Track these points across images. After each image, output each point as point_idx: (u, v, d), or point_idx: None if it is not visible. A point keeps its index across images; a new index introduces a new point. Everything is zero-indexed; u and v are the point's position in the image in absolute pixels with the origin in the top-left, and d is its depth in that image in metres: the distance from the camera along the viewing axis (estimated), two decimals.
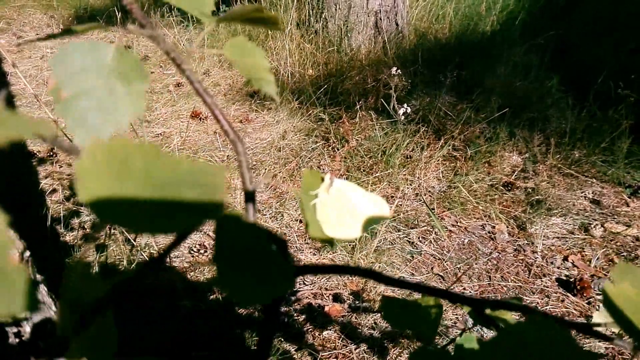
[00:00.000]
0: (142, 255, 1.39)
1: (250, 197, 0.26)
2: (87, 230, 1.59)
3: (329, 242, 0.35)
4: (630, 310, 0.24)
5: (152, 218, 0.17)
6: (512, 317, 0.44)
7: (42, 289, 0.52)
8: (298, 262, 1.45)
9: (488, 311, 0.49)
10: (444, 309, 1.27)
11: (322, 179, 0.34)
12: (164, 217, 0.17)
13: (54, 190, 1.84)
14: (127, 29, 0.24)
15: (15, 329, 0.45)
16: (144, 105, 0.25)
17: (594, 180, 1.84)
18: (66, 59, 0.24)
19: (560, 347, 0.22)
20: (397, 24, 2.71)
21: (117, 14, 3.44)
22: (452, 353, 0.35)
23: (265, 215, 1.65)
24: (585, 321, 1.30)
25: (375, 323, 1.23)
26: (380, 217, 0.36)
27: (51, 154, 2.07)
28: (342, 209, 0.34)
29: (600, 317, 0.51)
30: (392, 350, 1.14)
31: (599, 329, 0.28)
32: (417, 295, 0.41)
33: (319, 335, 1.18)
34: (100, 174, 0.17)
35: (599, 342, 1.25)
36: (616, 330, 0.28)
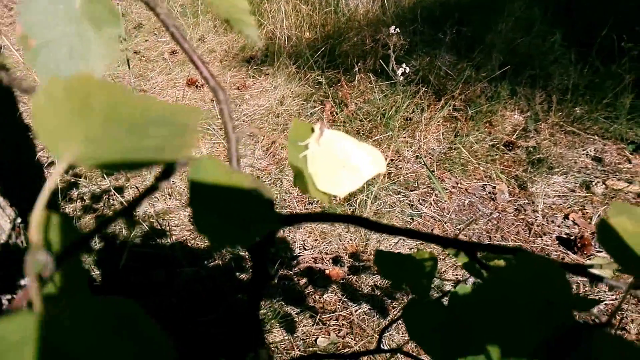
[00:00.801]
0: (142, 224, 1.40)
1: (233, 145, 0.24)
2: (86, 201, 1.60)
3: (321, 197, 0.34)
4: (629, 241, 0.23)
5: (118, 158, 0.16)
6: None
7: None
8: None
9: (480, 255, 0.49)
10: (443, 269, 1.28)
11: (312, 130, 0.32)
12: (130, 156, 0.16)
13: (52, 163, 1.83)
14: None
15: None
16: (118, 50, 0.23)
17: (596, 137, 1.82)
18: (34, 5, 0.23)
19: (552, 284, 0.22)
20: None
21: None
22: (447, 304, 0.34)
23: (264, 181, 1.64)
24: (586, 279, 1.31)
25: (375, 285, 1.24)
26: (376, 169, 0.34)
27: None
28: (334, 160, 0.33)
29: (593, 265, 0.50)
30: (392, 310, 1.16)
31: (593, 270, 0.27)
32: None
33: (320, 298, 1.19)
34: (58, 111, 0.16)
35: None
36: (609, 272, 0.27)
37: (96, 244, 1.37)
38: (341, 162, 0.32)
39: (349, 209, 1.51)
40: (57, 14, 0.23)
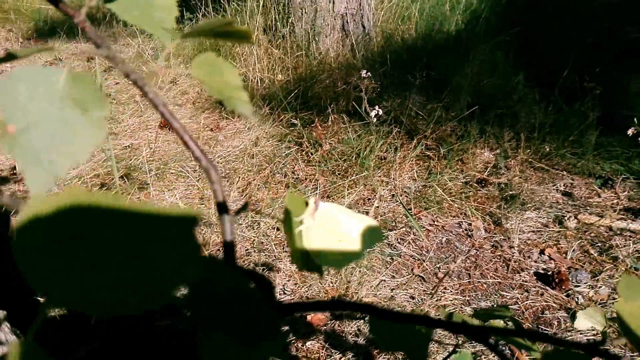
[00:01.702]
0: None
1: (228, 226, 0.23)
2: None
3: (319, 271, 0.32)
4: None
5: (116, 298, 0.15)
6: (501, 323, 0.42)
7: (5, 326, 0.48)
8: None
9: (475, 312, 0.48)
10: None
11: (307, 203, 0.31)
12: (130, 295, 0.15)
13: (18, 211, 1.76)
14: (81, 51, 0.22)
15: None
16: (105, 134, 0.22)
17: (565, 173, 1.88)
18: (12, 88, 0.21)
19: None
20: (363, 27, 2.72)
21: (77, 26, 3.34)
22: None
23: (241, 224, 1.61)
24: (567, 314, 1.32)
25: (359, 330, 1.22)
26: (374, 240, 0.33)
27: (14, 172, 1.98)
28: (331, 234, 0.32)
29: (583, 320, 0.50)
30: (378, 356, 1.13)
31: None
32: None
33: (302, 346, 1.16)
34: (44, 247, 0.15)
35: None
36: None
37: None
38: (338, 236, 0.31)
39: None
40: (38, 96, 0.22)
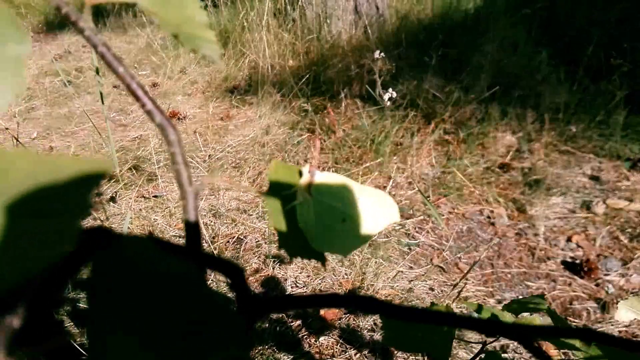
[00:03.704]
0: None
1: (190, 200, 0.17)
2: None
3: (318, 258, 0.26)
4: None
5: None
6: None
7: None
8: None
9: (505, 306, 0.41)
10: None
11: (300, 173, 0.25)
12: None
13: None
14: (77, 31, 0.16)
15: None
16: (24, 76, 0.16)
17: (592, 156, 1.78)
18: None
19: None
20: (377, 7, 2.62)
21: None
22: None
23: (251, 215, 1.55)
24: (596, 304, 1.23)
25: (375, 324, 1.15)
26: (387, 218, 0.26)
27: None
28: (332, 212, 0.24)
29: (625, 312, 0.43)
30: (396, 353, 1.06)
31: None
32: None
33: (316, 342, 1.10)
34: None
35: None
36: None
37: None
38: (341, 214, 0.24)
39: None
40: None
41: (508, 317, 0.38)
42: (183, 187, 0.17)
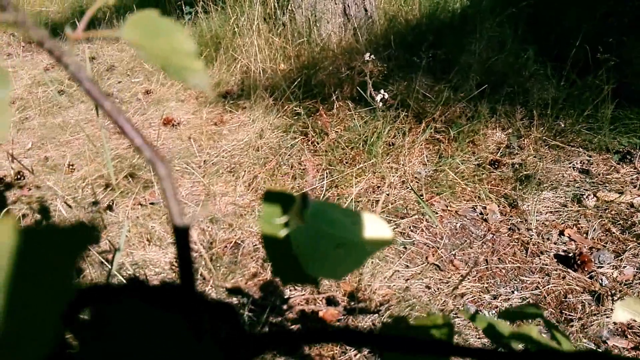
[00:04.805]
0: (118, 276, 1.31)
1: (182, 237, 0.18)
2: None
3: (312, 283, 0.27)
4: None
5: None
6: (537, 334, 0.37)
7: None
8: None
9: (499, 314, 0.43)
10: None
11: (293, 200, 0.26)
12: None
13: (24, 215, 1.74)
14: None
15: None
16: (10, 117, 0.17)
17: (581, 150, 1.80)
18: None
19: None
20: (365, 10, 2.64)
21: (78, 25, 3.31)
22: None
23: (247, 219, 1.57)
24: (591, 297, 1.26)
25: (373, 324, 1.17)
26: (380, 243, 0.27)
27: (18, 177, 1.96)
28: (326, 238, 0.26)
29: (622, 312, 0.44)
30: None
31: None
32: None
33: (315, 344, 1.11)
34: None
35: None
36: None
37: None
38: (335, 239, 0.25)
39: None
40: None
41: (504, 325, 0.39)
42: (175, 223, 0.18)
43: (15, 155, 2.12)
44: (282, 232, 0.25)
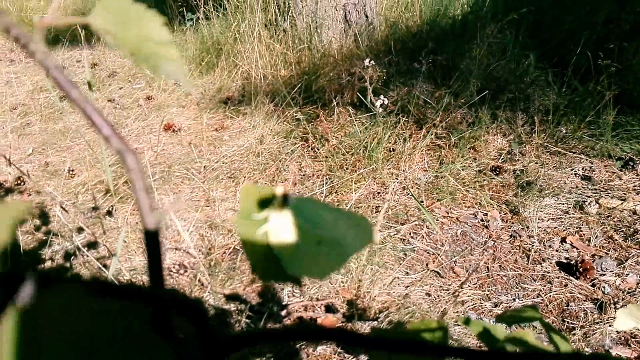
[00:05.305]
0: (115, 281, 1.29)
1: (151, 235, 0.17)
2: (60, 260, 1.49)
3: (294, 281, 0.25)
4: None
5: None
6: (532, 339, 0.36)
7: None
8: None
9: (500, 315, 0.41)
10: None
11: (273, 196, 0.25)
12: None
13: (23, 220, 1.73)
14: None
15: None
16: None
17: (583, 156, 1.79)
18: None
19: None
20: (366, 16, 2.65)
21: (80, 32, 3.34)
22: None
23: None
24: (593, 305, 1.24)
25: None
26: (363, 242, 0.25)
27: (18, 182, 1.96)
28: (307, 235, 0.24)
29: (624, 319, 0.43)
30: None
31: None
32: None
33: (313, 351, 1.10)
34: None
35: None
36: None
37: None
38: (316, 237, 0.24)
39: None
40: None
41: (500, 330, 0.38)
42: (144, 218, 0.17)
43: (16, 160, 2.12)
44: (261, 229, 0.23)
